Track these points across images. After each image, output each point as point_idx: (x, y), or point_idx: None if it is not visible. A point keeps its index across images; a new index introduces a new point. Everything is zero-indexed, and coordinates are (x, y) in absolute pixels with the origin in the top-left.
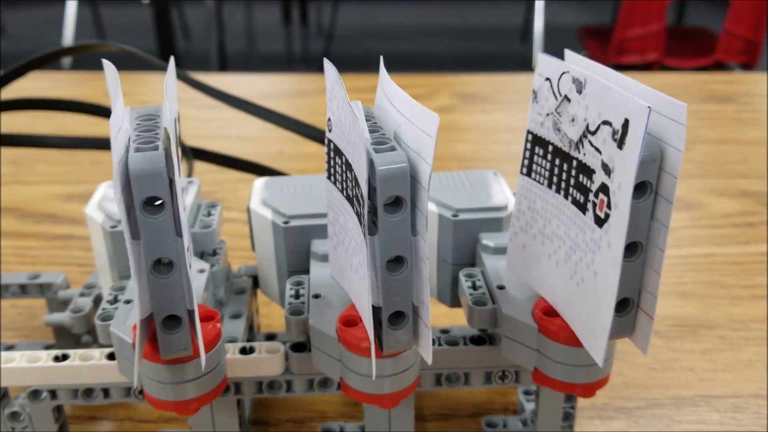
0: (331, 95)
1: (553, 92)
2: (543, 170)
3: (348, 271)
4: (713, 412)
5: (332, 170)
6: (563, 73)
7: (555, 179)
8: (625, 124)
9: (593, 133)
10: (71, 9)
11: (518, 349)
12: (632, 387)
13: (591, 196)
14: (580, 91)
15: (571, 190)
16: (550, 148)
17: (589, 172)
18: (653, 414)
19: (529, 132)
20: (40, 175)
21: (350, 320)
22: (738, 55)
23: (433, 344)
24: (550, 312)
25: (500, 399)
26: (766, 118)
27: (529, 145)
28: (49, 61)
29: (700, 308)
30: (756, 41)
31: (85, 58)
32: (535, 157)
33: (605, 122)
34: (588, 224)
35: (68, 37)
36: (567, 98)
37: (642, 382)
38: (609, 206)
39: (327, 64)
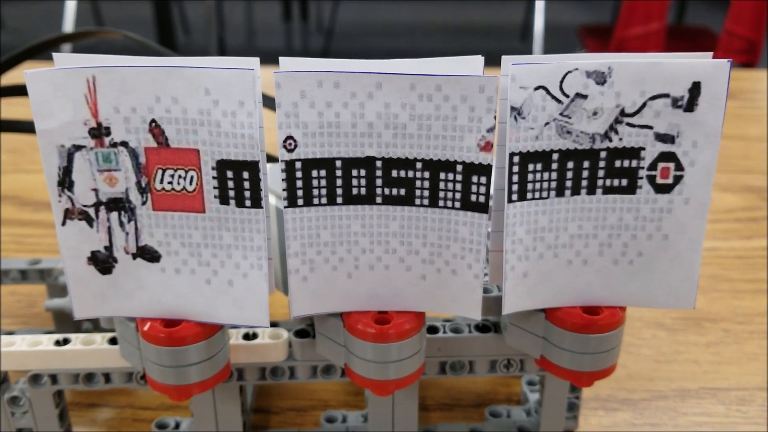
0: (294, 109)
1: (554, 97)
2: (546, 183)
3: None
4: (718, 405)
5: (310, 191)
6: (568, 72)
7: (570, 183)
8: (695, 87)
9: (633, 114)
10: (71, 2)
11: (524, 336)
12: (636, 379)
13: (643, 173)
14: (602, 82)
15: (600, 182)
16: (555, 156)
17: (632, 152)
18: (658, 406)
19: (513, 154)
20: (41, 164)
21: (381, 318)
22: (738, 55)
23: (437, 332)
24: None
25: (504, 389)
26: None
27: (516, 168)
28: (49, 47)
29: (704, 301)
30: (756, 41)
31: (88, 47)
32: (530, 176)
33: (657, 96)
34: (642, 199)
35: (68, 30)
36: (580, 95)
37: (646, 374)
38: (679, 168)
39: (283, 77)
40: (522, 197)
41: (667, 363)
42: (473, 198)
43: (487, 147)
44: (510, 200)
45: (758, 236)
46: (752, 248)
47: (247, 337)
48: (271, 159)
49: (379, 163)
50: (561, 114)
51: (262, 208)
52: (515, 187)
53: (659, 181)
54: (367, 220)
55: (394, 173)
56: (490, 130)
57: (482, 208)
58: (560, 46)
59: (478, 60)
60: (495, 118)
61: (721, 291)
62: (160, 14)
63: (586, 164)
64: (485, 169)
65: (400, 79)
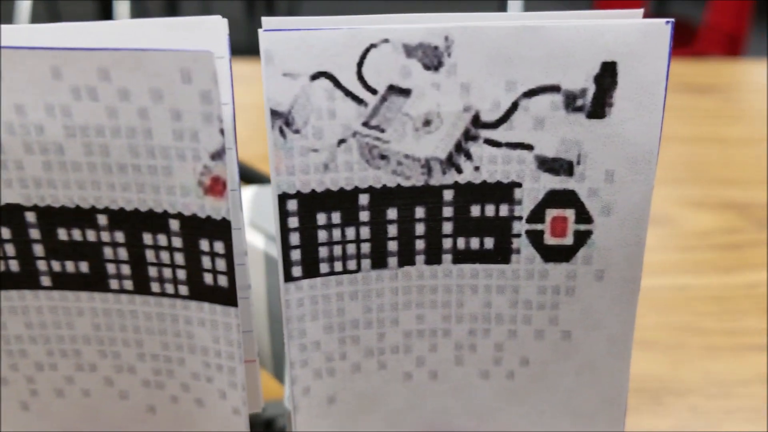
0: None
1: (348, 93)
2: (352, 246)
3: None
4: None
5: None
6: (371, 46)
7: (394, 245)
8: (604, 74)
9: (496, 123)
10: (25, 3)
11: None
12: None
13: (519, 227)
14: (437, 65)
15: (448, 242)
16: (364, 198)
17: (498, 192)
18: None
19: (285, 197)
20: None
21: None
22: (720, 47)
23: None
24: None
25: None
26: (751, 112)
27: (294, 221)
28: None
29: (667, 364)
30: (738, 33)
31: None
32: (322, 234)
33: (538, 90)
34: (523, 272)
35: None
36: (398, 90)
37: None
38: (584, 218)
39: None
40: (311, 272)
41: None
42: (207, 279)
43: (215, 187)
44: (289, 277)
45: (739, 268)
46: (732, 285)
47: None
48: (256, 177)
49: (30, 217)
50: (366, 124)
51: None
52: (296, 255)
53: (550, 241)
54: (34, 316)
55: (62, 235)
56: (217, 155)
57: (226, 295)
58: None
59: (218, 23)
60: (222, 131)
61: (690, 347)
62: (103, 13)
63: (419, 212)
64: (219, 228)
65: (31, 57)
